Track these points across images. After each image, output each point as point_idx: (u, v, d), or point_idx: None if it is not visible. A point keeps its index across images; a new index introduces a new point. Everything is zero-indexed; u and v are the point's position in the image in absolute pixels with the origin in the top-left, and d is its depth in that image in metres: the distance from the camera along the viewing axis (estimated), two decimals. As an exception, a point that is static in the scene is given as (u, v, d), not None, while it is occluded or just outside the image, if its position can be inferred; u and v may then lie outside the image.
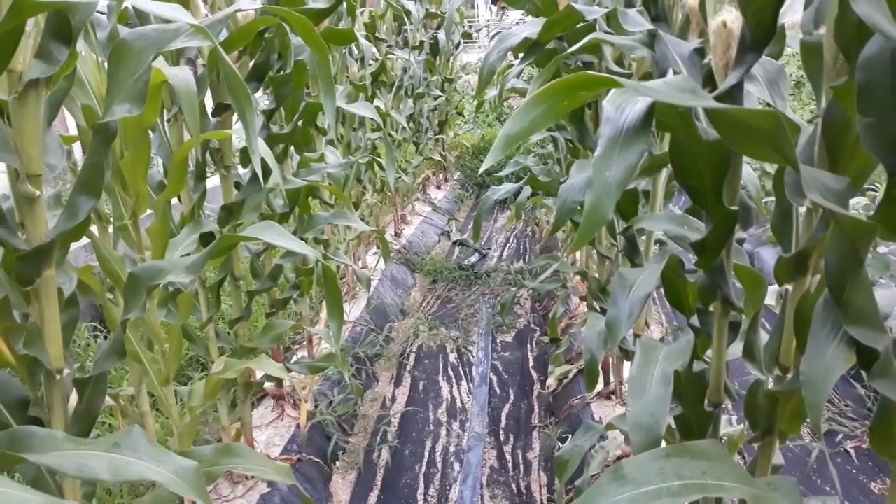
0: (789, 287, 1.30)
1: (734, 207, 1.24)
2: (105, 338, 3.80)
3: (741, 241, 1.56)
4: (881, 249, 3.65)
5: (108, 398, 2.06)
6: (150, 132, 1.87)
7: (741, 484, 0.91)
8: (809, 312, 1.09)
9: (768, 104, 1.28)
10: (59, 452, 1.02)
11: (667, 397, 1.23)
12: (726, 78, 1.15)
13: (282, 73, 2.49)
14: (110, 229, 2.00)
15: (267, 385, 3.39)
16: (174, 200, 2.13)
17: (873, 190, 4.42)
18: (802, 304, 1.19)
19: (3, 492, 0.79)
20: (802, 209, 1.28)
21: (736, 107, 0.90)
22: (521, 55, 2.57)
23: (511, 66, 3.93)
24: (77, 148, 2.00)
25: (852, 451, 3.16)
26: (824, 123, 1.10)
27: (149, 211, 2.00)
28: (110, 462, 1.03)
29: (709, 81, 1.25)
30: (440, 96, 7.91)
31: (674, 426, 1.59)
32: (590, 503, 0.86)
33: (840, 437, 3.26)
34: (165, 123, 2.27)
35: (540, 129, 0.88)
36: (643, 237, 2.52)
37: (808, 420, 1.29)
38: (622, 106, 0.93)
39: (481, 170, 0.95)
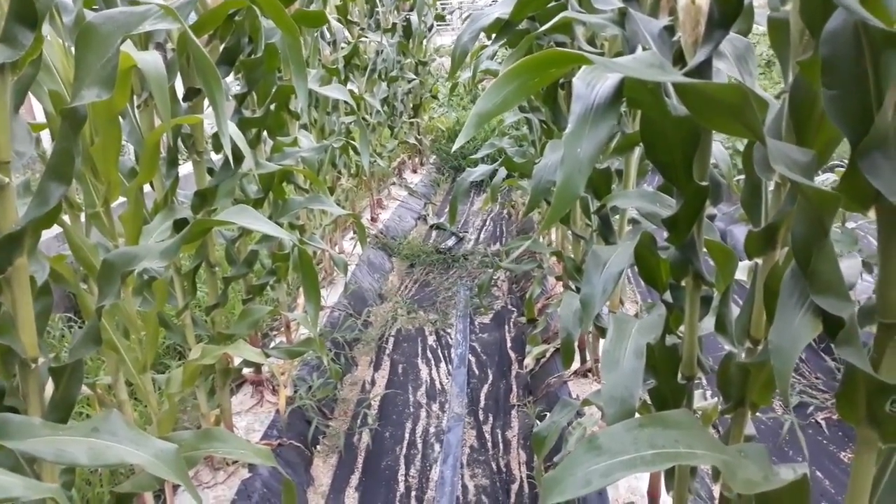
0: (759, 261, 1.33)
1: (704, 183, 1.26)
2: (80, 328, 3.76)
3: (712, 218, 1.59)
4: (849, 224, 3.71)
5: (84, 388, 2.05)
6: (120, 118, 1.84)
7: (712, 451, 0.93)
8: (778, 284, 1.12)
9: (737, 80, 1.30)
10: (36, 438, 1.02)
11: (640, 370, 1.25)
12: (695, 54, 1.16)
13: (253, 56, 2.47)
14: (82, 217, 1.97)
15: (245, 371, 3.38)
16: (146, 187, 2.11)
17: (842, 166, 4.48)
18: (771, 276, 1.21)
19: (-19, 475, 0.79)
20: (771, 184, 1.30)
21: (703, 81, 0.91)
22: (493, 36, 2.57)
23: (484, 47, 3.93)
24: (46, 136, 1.97)
25: (823, 423, 3.24)
26: (791, 98, 1.12)
27: (121, 199, 1.98)
28: (89, 447, 1.02)
29: (679, 59, 1.27)
30: (414, 79, 7.88)
31: (649, 401, 1.62)
32: (566, 473, 0.88)
33: (811, 408, 3.33)
34: (135, 109, 2.23)
35: (512, 106, 0.89)
36: (617, 216, 2.54)
37: (778, 390, 1.32)
38: (592, 82, 0.94)
39: (454, 148, 0.95)
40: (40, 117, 1.87)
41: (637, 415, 1.27)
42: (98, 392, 2.15)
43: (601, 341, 3.30)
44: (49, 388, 1.44)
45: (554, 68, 0.88)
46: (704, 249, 1.40)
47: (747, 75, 1.34)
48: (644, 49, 1.25)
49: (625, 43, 1.57)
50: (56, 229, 1.69)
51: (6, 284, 1.32)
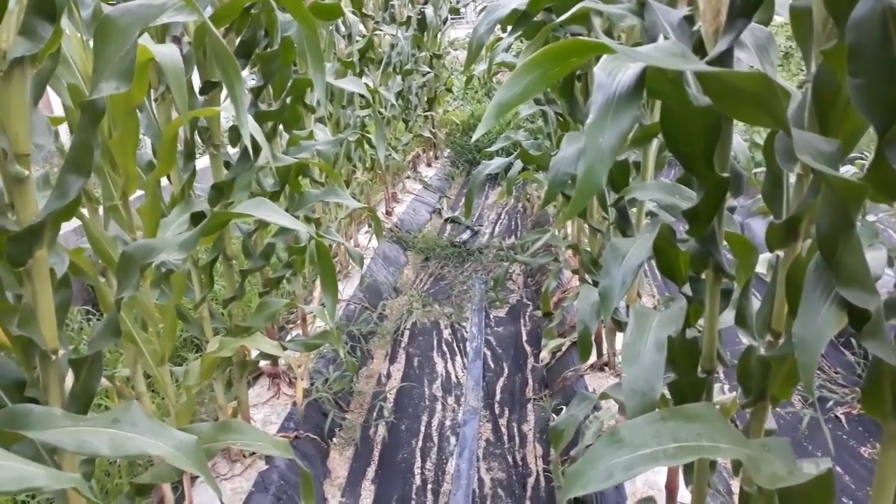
0: (780, 253, 1.31)
1: (725, 174, 1.24)
2: (98, 320, 3.80)
3: (732, 210, 1.57)
4: (870, 217, 3.67)
5: (103, 379, 2.07)
6: (137, 112, 1.85)
7: (736, 445, 0.92)
8: (801, 277, 1.10)
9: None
10: (58, 429, 1.02)
11: (661, 363, 1.24)
12: (716, 44, 1.14)
13: (269, 49, 2.47)
14: (101, 210, 1.99)
15: (262, 364, 3.40)
16: (164, 181, 2.12)
17: (862, 159, 4.43)
18: (794, 269, 1.20)
19: (4, 465, 0.79)
20: (793, 176, 1.28)
21: (726, 70, 0.90)
22: (509, 28, 2.55)
23: (499, 39, 3.91)
24: (64, 129, 1.98)
25: (843, 417, 3.21)
26: (814, 88, 1.10)
27: (139, 192, 1.99)
28: (110, 437, 1.03)
29: (699, 49, 1.25)
30: (429, 72, 7.87)
31: (668, 395, 1.61)
32: (588, 467, 0.87)
33: (831, 403, 3.30)
34: (153, 103, 2.25)
35: (532, 96, 0.88)
36: (634, 209, 2.52)
37: (799, 386, 1.31)
38: (614, 72, 0.93)
39: (474, 138, 0.95)
40: (58, 111, 1.89)
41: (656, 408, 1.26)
42: (117, 384, 2.16)
43: (618, 335, 3.29)
44: (69, 379, 1.46)
45: (574, 57, 0.87)
46: (724, 242, 1.39)
47: (768, 65, 1.32)
48: (664, 38, 1.23)
49: (644, 33, 1.56)
50: (75, 222, 1.70)
51: (27, 277, 1.33)
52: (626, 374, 1.24)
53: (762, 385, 1.33)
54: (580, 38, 0.85)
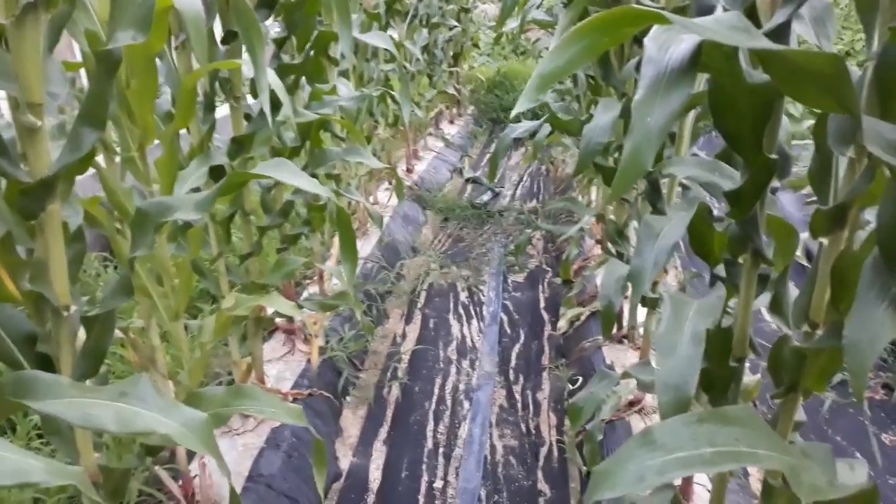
0: (824, 241, 1.24)
1: (773, 156, 1.17)
2: (115, 268, 3.79)
3: (773, 191, 1.50)
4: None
5: (118, 331, 2.04)
6: (157, 60, 1.79)
7: (776, 452, 0.86)
8: (848, 269, 1.04)
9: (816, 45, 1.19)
10: (63, 400, 0.98)
11: (697, 357, 1.18)
12: (773, 16, 1.06)
13: (293, -1, 2.39)
14: (117, 160, 1.94)
15: (278, 319, 3.38)
16: (182, 132, 2.06)
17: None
18: (842, 260, 1.13)
19: (2, 457, 0.76)
20: (844, 159, 1.21)
21: (794, 48, 0.82)
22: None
23: (533, -4, 3.78)
24: (83, 74, 1.93)
25: (865, 403, 3.15)
26: (877, 68, 1.02)
27: (157, 142, 1.94)
28: (117, 412, 0.99)
29: (750, 19, 1.16)
30: (456, 27, 7.70)
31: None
32: (617, 467, 0.82)
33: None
34: (173, 51, 2.18)
35: (577, 67, 0.81)
36: (665, 180, 2.44)
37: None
38: (666, 44, 0.85)
39: (513, 112, 0.88)
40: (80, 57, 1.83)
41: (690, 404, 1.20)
42: (131, 336, 2.14)
43: (639, 308, 3.23)
44: (81, 334, 1.43)
45: (627, 27, 0.79)
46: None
47: (824, 39, 1.23)
48: (724, 8, 1.14)
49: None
50: (92, 169, 1.65)
51: (39, 231, 1.29)
52: (661, 367, 1.18)
53: (795, 377, 1.27)
54: (635, 6, 0.77)
